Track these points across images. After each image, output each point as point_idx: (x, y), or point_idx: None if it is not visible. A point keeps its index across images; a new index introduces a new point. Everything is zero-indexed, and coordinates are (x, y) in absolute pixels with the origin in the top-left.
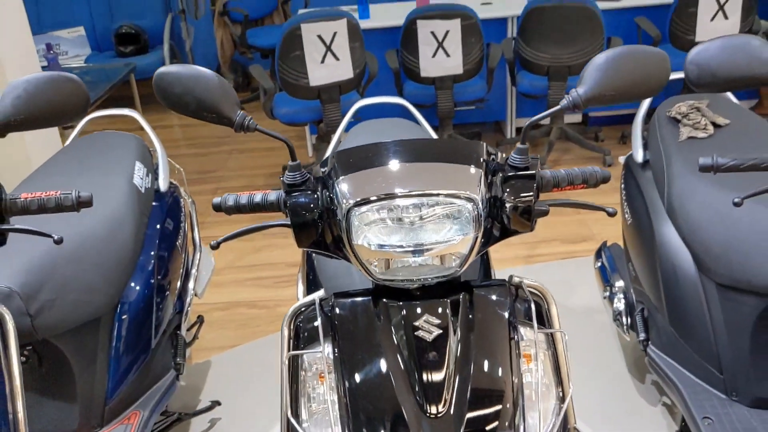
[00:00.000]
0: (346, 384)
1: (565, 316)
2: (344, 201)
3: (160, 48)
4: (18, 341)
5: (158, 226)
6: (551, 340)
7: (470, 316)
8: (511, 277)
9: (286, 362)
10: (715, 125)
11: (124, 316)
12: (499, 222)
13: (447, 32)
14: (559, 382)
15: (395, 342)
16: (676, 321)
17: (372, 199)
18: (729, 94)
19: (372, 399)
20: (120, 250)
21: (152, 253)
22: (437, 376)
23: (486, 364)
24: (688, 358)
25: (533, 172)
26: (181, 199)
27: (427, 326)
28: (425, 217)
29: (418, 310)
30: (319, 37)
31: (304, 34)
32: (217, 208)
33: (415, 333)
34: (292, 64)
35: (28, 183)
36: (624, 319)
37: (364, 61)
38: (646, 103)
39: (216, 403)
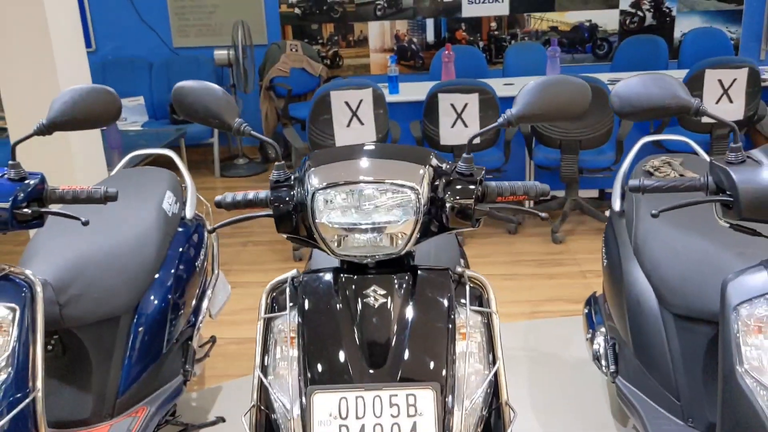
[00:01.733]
0: (305, 343)
1: (559, 367)
2: (311, 186)
3: None
4: (44, 327)
5: (180, 249)
6: (487, 323)
7: (413, 292)
8: (454, 267)
9: (261, 325)
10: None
11: (141, 319)
12: (438, 219)
13: (465, 105)
14: (491, 357)
15: (348, 308)
16: (641, 352)
17: (332, 184)
18: (702, 153)
19: (324, 354)
20: (143, 262)
21: (172, 270)
22: (380, 338)
23: (422, 331)
24: (651, 388)
25: (475, 178)
26: (205, 230)
27: (374, 295)
28: (377, 204)
29: (368, 283)
30: (347, 103)
31: (333, 100)
32: (218, 204)
33: (364, 300)
34: (321, 127)
35: (65, 209)
36: (602, 358)
37: (387, 127)
38: (627, 161)
39: (221, 420)
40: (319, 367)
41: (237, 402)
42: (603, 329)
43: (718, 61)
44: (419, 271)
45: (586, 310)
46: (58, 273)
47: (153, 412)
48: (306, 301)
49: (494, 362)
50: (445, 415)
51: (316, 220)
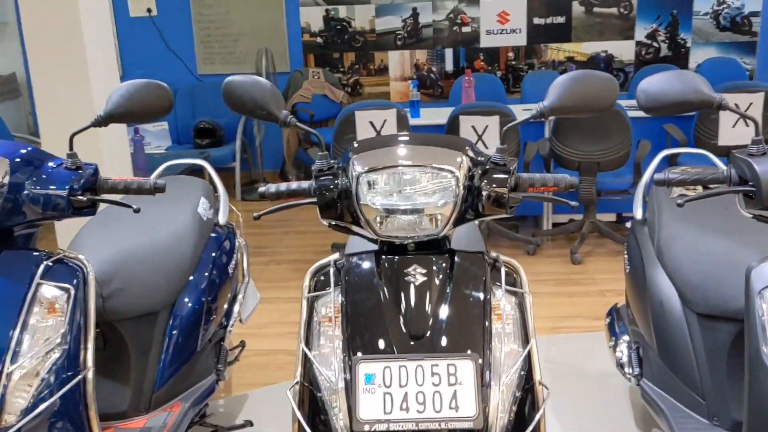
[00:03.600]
0: (348, 319)
1: (581, 379)
2: (355, 171)
3: (233, 143)
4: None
5: (213, 252)
6: (520, 304)
7: (451, 273)
8: (488, 251)
9: (305, 304)
10: (705, 187)
11: (177, 317)
12: (475, 207)
13: (486, 127)
14: (524, 337)
15: (390, 286)
16: (665, 353)
17: (375, 168)
18: (721, 165)
19: (367, 328)
20: (179, 260)
21: (206, 272)
22: (420, 313)
23: (461, 308)
24: (676, 388)
25: (509, 168)
26: (236, 237)
27: (415, 273)
28: (417, 188)
29: (409, 262)
30: (371, 123)
31: (358, 120)
32: (262, 195)
33: (405, 278)
34: (345, 145)
35: (107, 211)
36: (625, 365)
37: None
38: (648, 172)
39: (249, 423)
40: (363, 340)
41: (264, 409)
42: (626, 337)
43: (734, 86)
44: (456, 254)
45: (608, 320)
46: (102, 267)
47: (187, 408)
48: (348, 281)
49: (527, 342)
50: (482, 388)
51: (360, 202)
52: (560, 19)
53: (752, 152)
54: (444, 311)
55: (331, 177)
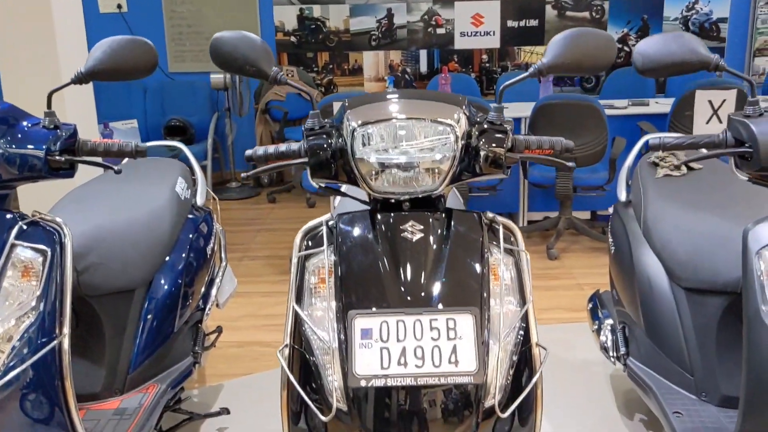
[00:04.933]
0: (342, 276)
1: (563, 368)
2: (350, 125)
3: (205, 141)
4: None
5: (191, 233)
6: (517, 263)
7: (448, 230)
8: (485, 212)
9: (295, 262)
10: (689, 168)
11: (154, 296)
12: (471, 167)
13: None
14: (522, 298)
15: (385, 242)
16: (652, 331)
17: (371, 121)
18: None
19: (363, 284)
20: (157, 238)
21: (183, 252)
22: (418, 269)
23: (459, 264)
24: (663, 365)
25: (506, 128)
26: (214, 221)
27: (411, 230)
28: (414, 144)
29: (405, 219)
30: None
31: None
32: (249, 158)
33: (401, 235)
34: None
35: (83, 188)
36: (609, 345)
37: None
38: (631, 156)
39: (225, 411)
40: (358, 296)
41: (241, 398)
42: (609, 321)
43: (707, 83)
44: (453, 213)
45: (590, 306)
46: (76, 241)
47: (163, 390)
48: (342, 239)
49: (525, 303)
50: (482, 345)
51: (356, 156)
52: (533, 23)
53: (749, 114)
54: (442, 267)
55: (324, 136)
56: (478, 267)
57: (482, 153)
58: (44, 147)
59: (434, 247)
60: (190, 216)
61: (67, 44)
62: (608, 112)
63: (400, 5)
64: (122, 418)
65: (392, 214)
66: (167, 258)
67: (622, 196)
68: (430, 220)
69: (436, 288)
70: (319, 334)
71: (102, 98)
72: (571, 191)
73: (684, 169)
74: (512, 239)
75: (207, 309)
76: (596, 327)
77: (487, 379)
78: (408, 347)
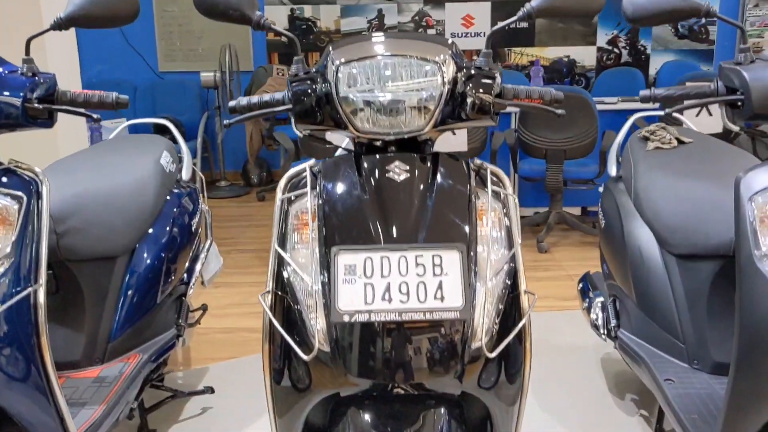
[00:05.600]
0: (326, 217)
1: (553, 352)
2: (334, 64)
3: (195, 141)
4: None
5: (176, 207)
6: (504, 207)
7: (434, 172)
8: (473, 159)
9: (279, 205)
10: (680, 141)
11: (136, 265)
12: (457, 115)
13: None
14: (510, 242)
15: (370, 183)
16: (643, 301)
17: (356, 58)
18: (693, 127)
19: (347, 223)
20: (140, 206)
21: (167, 224)
22: (403, 208)
23: (446, 204)
24: (654, 335)
25: (494, 74)
26: (200, 198)
27: (397, 170)
28: (400, 84)
29: (390, 159)
30: None
31: None
32: (233, 109)
33: (387, 175)
34: None
35: (66, 158)
36: (599, 323)
37: None
38: (621, 133)
39: (209, 390)
40: (342, 234)
41: (225, 379)
42: (599, 299)
43: (696, 75)
44: (440, 156)
45: (581, 286)
46: (58, 204)
47: (145, 360)
48: (326, 181)
49: (512, 247)
50: (468, 284)
51: (340, 95)
52: (524, 24)
53: (740, 61)
54: (428, 206)
55: (308, 82)
56: (465, 205)
57: (469, 99)
58: (21, 94)
59: (420, 187)
60: (176, 190)
61: (57, 49)
62: (599, 107)
63: (390, 6)
64: (102, 386)
65: (377, 156)
66: (150, 228)
67: (613, 171)
68: (416, 161)
69: (422, 225)
70: (302, 275)
71: None
72: (561, 184)
73: (675, 142)
74: (500, 185)
75: (191, 283)
76: (586, 305)
77: (473, 321)
78: (393, 283)
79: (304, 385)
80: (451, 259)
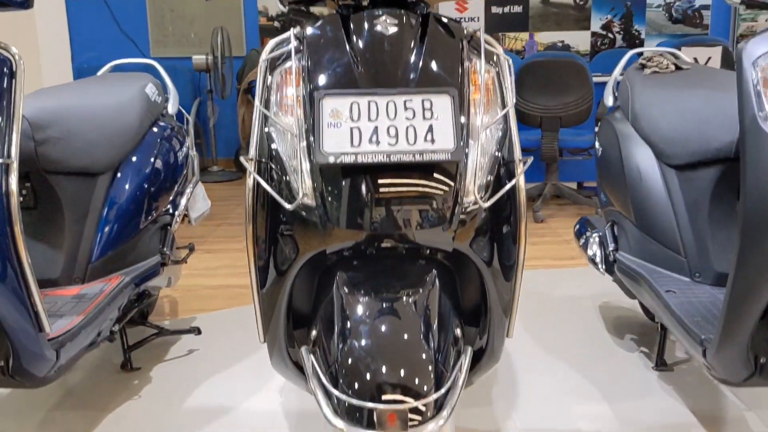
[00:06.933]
0: (310, 71)
1: (551, 304)
2: None
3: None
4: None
5: (161, 136)
6: (497, 69)
7: (425, 30)
8: (466, 26)
9: (263, 66)
10: (678, 68)
11: (119, 186)
12: None
13: None
14: (503, 101)
15: (357, 37)
16: (643, 219)
17: None
18: (688, 60)
19: (332, 72)
20: (122, 126)
21: (152, 149)
22: (390, 56)
23: (435, 52)
24: (654, 252)
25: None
26: (186, 138)
27: (386, 24)
28: None
29: (378, 15)
30: None
31: None
32: None
33: (375, 29)
34: None
35: (49, 88)
36: (597, 256)
37: None
38: (619, 67)
39: (196, 330)
40: (327, 81)
41: (212, 327)
42: (595, 235)
43: (692, 40)
44: (431, 15)
45: (578, 227)
46: (36, 112)
47: (128, 282)
48: (311, 40)
49: (503, 99)
50: (460, 125)
51: None
52: (518, 9)
53: None
54: (418, 55)
55: None
56: (457, 59)
57: None
58: None
59: (410, 40)
60: (162, 123)
61: (48, 33)
62: (596, 79)
63: None
64: (81, 301)
65: (364, 12)
66: (134, 151)
67: (609, 101)
68: (406, 16)
69: (411, 72)
70: (285, 127)
71: None
72: (556, 153)
73: (672, 68)
74: (494, 48)
75: (176, 215)
76: (583, 242)
77: (466, 173)
78: (380, 127)
79: (289, 249)
80: (442, 102)
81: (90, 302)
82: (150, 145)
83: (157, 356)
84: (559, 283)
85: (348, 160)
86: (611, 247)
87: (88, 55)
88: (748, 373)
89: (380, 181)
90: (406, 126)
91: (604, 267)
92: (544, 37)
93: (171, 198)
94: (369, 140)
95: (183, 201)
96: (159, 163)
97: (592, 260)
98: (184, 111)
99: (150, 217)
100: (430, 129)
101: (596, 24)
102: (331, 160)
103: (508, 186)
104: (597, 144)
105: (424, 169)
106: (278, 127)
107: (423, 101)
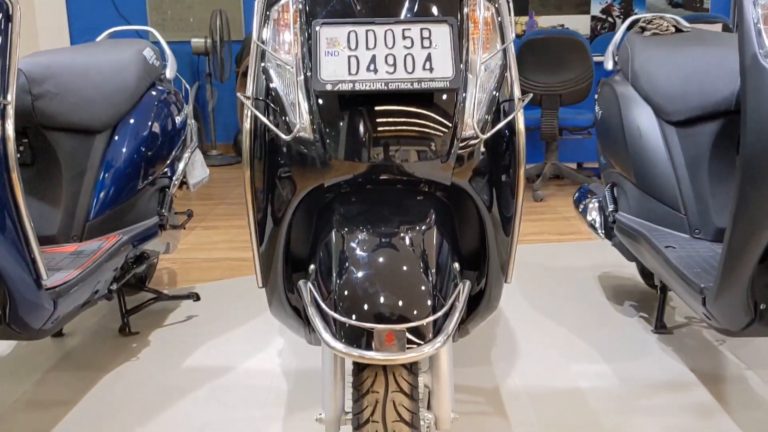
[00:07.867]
0: (308, 12)
1: (550, 275)
2: None
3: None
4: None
5: (158, 99)
6: (496, 8)
7: None
8: None
9: (260, 6)
10: (678, 30)
11: (117, 145)
12: None
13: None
14: (502, 35)
15: None
16: (643, 178)
17: None
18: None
19: (327, 4)
20: (119, 85)
21: (150, 114)
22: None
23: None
24: (654, 210)
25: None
26: (185, 104)
27: None
28: None
29: None
30: None
31: None
32: None
33: None
34: None
35: (46, 51)
36: (597, 222)
37: None
38: (620, 32)
39: (195, 296)
40: (325, 11)
41: (211, 295)
42: (594, 202)
43: (692, 17)
44: None
45: (577, 195)
46: (33, 67)
47: (126, 240)
48: None
49: (502, 36)
50: (458, 54)
51: None
52: None
53: None
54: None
55: None
56: (455, 6)
57: None
58: None
59: None
60: (160, 87)
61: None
62: (596, 59)
63: None
64: (79, 257)
65: None
66: (132, 111)
67: (609, 65)
68: None
69: (408, 3)
70: (283, 57)
71: None
72: (556, 131)
73: (672, 30)
74: None
75: (174, 178)
76: (582, 208)
77: (465, 104)
78: (378, 55)
79: (287, 190)
80: (441, 32)
81: (88, 258)
82: (148, 106)
83: (155, 322)
84: (558, 256)
85: (345, 87)
86: (610, 208)
87: (88, 38)
88: (748, 319)
89: (378, 112)
90: (404, 54)
91: (603, 231)
92: (544, 21)
93: (169, 161)
94: (367, 68)
95: (181, 165)
96: (156, 126)
97: (592, 225)
98: (182, 79)
99: (148, 179)
100: (429, 57)
101: (596, 8)
102: (329, 87)
103: (508, 118)
104: (597, 108)
105: (422, 101)
106: (275, 63)
107: (422, 30)
